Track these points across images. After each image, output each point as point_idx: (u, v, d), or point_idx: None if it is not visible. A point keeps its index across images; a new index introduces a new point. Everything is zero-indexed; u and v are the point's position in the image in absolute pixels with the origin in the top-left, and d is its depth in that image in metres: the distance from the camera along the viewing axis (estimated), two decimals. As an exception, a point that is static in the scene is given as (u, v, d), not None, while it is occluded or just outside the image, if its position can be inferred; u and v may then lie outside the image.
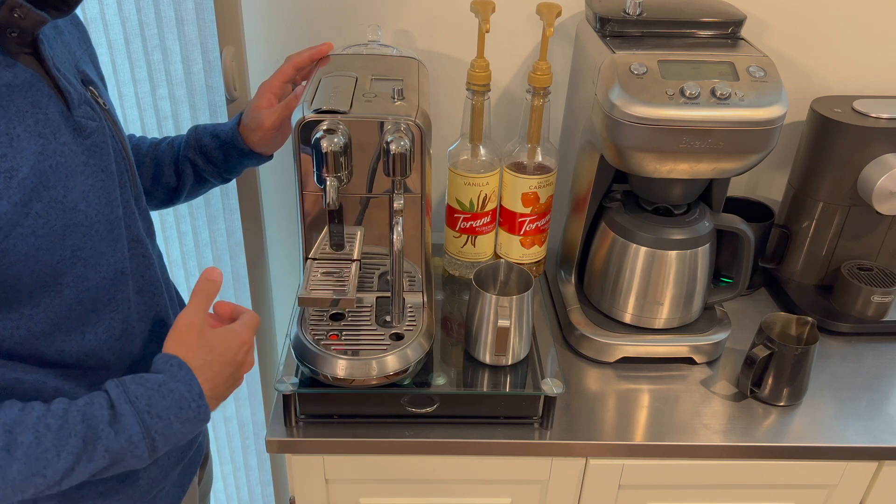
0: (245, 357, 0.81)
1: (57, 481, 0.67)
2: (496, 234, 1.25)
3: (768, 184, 1.41)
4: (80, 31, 0.84)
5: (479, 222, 1.20)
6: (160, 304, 0.86)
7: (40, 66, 0.70)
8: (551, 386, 0.97)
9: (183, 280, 1.29)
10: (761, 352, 1.02)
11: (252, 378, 1.45)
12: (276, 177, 1.37)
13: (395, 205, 0.93)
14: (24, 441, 0.65)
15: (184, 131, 1.08)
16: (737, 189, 1.40)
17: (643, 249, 1.08)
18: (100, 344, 0.77)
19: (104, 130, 0.75)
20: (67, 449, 0.66)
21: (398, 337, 0.97)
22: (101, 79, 0.86)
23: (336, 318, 1.00)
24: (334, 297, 0.90)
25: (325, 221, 0.98)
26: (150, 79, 1.11)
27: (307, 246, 1.00)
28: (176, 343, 0.77)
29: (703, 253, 1.09)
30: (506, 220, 1.22)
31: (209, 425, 1.43)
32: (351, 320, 0.99)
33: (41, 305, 0.70)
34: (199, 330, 0.77)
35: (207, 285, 0.81)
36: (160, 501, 0.89)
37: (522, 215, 1.19)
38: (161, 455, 0.87)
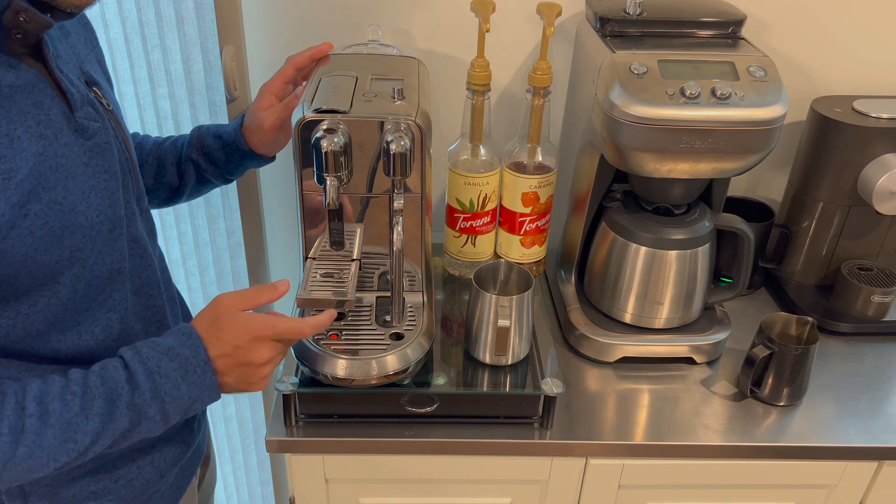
0: (251, 346, 0.77)
1: (87, 446, 0.69)
2: (496, 234, 1.25)
3: (768, 184, 1.41)
4: (88, 31, 0.84)
5: (479, 222, 1.20)
6: (157, 305, 0.85)
7: (43, 67, 0.70)
8: (551, 386, 0.97)
9: (183, 280, 1.29)
10: (761, 352, 1.02)
11: (252, 378, 1.44)
12: (276, 177, 1.37)
13: (395, 205, 0.93)
14: (55, 409, 0.67)
15: (184, 131, 1.08)
16: (737, 189, 1.40)
17: (643, 249, 1.08)
18: (96, 343, 0.76)
19: (107, 131, 0.75)
20: (94, 411, 0.69)
21: (398, 337, 0.97)
22: (108, 79, 0.86)
23: (336, 317, 1.00)
24: (333, 297, 0.90)
25: (325, 221, 0.98)
26: (150, 78, 1.11)
27: (307, 246, 1.00)
28: (199, 315, 0.79)
29: (703, 253, 1.09)
30: (506, 219, 1.21)
31: (209, 425, 1.43)
32: (351, 320, 0.99)
33: (38, 305, 0.70)
34: (222, 308, 0.78)
35: (267, 286, 0.82)
36: (156, 502, 0.89)
37: (522, 215, 1.19)
38: (160, 456, 0.87)
